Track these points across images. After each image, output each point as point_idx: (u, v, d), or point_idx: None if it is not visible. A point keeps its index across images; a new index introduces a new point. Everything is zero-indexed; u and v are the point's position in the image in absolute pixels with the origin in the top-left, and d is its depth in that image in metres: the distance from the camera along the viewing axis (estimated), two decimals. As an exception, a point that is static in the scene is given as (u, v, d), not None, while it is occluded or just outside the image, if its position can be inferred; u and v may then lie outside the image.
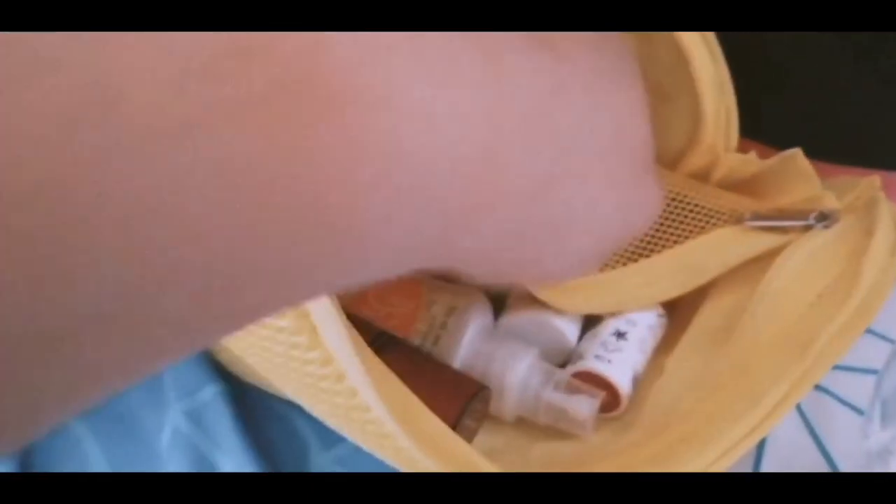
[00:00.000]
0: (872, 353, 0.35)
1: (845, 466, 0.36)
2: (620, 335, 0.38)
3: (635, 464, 0.31)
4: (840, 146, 0.41)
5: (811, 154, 0.38)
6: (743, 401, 0.32)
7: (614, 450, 0.33)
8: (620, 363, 0.37)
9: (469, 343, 0.38)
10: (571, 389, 0.36)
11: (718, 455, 0.31)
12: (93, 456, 0.41)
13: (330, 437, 0.39)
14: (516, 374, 0.37)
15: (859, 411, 0.37)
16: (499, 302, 0.40)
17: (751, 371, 0.33)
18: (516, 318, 0.39)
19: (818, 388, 0.37)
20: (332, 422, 0.33)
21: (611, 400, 0.36)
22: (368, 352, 0.30)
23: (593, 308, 0.39)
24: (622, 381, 0.36)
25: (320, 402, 0.31)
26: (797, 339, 0.34)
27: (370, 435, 0.30)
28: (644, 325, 0.38)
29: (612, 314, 0.38)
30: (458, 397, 0.36)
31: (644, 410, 0.35)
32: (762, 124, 0.39)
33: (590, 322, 0.39)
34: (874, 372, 0.34)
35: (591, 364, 0.37)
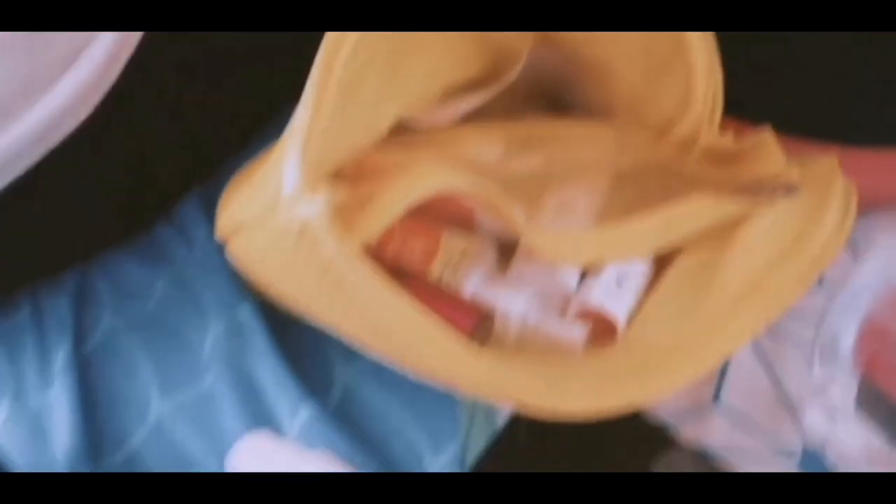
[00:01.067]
0: (819, 301, 0.41)
1: (795, 395, 0.43)
2: (620, 280, 0.44)
3: (610, 371, 0.38)
4: (805, 123, 0.47)
5: (780, 129, 0.45)
6: (709, 332, 0.39)
7: (593, 357, 0.39)
8: (619, 302, 0.43)
9: (480, 277, 0.44)
10: (565, 320, 0.43)
11: (685, 373, 0.37)
12: (143, 369, 0.47)
13: (352, 352, 0.45)
14: (518, 305, 0.43)
15: (807, 351, 0.44)
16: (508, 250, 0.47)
17: (719, 311, 0.40)
18: (524, 265, 0.45)
19: (775, 331, 0.44)
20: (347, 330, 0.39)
21: (608, 334, 0.43)
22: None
23: (582, 260, 0.45)
24: (620, 318, 0.43)
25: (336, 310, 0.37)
26: (760, 289, 0.40)
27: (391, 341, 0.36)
28: (639, 272, 0.44)
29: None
30: (468, 320, 0.42)
31: (625, 337, 0.42)
32: (741, 103, 0.46)
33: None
34: (818, 319, 0.41)
35: (595, 303, 0.43)
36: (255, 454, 0.37)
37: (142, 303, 0.50)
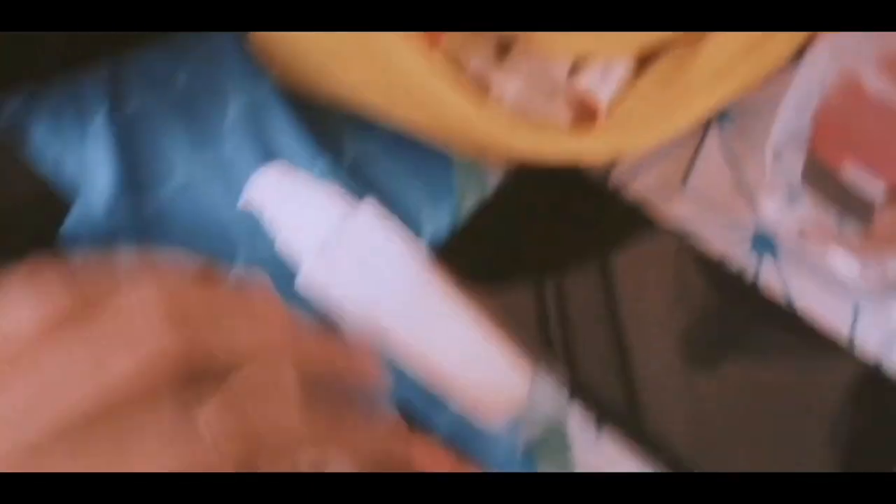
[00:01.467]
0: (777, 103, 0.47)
1: (752, 184, 0.49)
2: (605, 72, 0.49)
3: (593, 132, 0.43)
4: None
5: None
6: (680, 104, 0.44)
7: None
8: (603, 89, 0.48)
9: (478, 65, 0.49)
10: (554, 100, 0.48)
11: (659, 132, 0.43)
12: (171, 136, 0.52)
13: (362, 128, 0.50)
14: (511, 89, 0.48)
15: (764, 148, 0.50)
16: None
17: (690, 88, 0.45)
18: (520, 56, 0.50)
19: (742, 131, 0.50)
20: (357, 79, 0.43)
21: (593, 115, 0.48)
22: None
23: (574, 52, 0.49)
24: (603, 101, 0.48)
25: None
26: (728, 73, 0.46)
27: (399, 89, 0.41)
28: (622, 66, 0.49)
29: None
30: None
31: (607, 117, 0.47)
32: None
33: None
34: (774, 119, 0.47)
35: (582, 89, 0.48)
36: (271, 185, 0.43)
37: (165, 89, 0.55)
